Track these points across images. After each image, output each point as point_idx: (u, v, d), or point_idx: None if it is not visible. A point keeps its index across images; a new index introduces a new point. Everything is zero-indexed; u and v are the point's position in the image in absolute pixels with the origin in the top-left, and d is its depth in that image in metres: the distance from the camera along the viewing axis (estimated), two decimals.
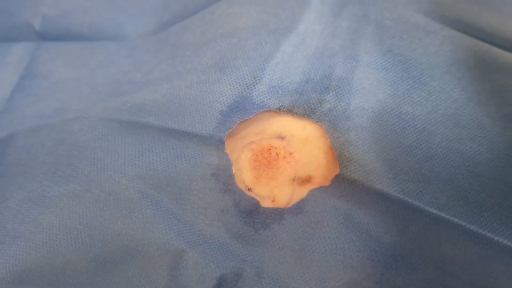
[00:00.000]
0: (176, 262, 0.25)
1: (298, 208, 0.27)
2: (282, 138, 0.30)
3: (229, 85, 0.30)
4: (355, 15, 0.33)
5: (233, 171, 0.29)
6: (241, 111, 0.29)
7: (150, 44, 0.38)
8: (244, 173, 0.29)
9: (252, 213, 0.27)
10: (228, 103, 0.29)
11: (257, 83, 0.30)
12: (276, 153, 0.29)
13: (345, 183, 0.27)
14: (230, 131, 0.29)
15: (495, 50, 0.31)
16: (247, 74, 0.30)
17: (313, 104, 0.29)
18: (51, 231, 0.26)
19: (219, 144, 0.29)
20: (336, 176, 0.27)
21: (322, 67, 0.31)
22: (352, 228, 0.26)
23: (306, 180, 0.28)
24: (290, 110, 0.30)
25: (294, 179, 0.28)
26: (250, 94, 0.30)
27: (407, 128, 0.28)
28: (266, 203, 0.28)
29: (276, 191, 0.28)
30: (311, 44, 0.32)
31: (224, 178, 0.28)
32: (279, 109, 0.30)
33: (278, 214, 0.27)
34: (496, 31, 0.32)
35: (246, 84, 0.30)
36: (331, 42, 0.32)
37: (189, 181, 0.28)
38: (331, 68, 0.30)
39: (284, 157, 0.29)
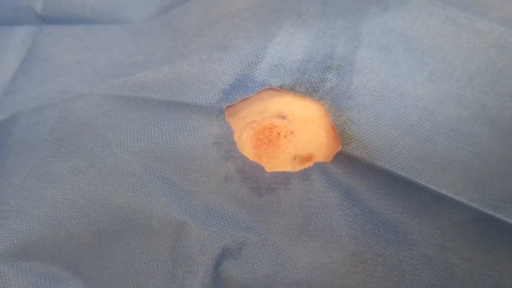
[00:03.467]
0: (178, 234, 0.25)
1: (305, 174, 0.27)
2: (283, 117, 0.30)
3: (231, 64, 0.30)
4: None
5: (235, 138, 0.29)
6: (243, 89, 0.29)
7: (153, 27, 0.38)
8: (246, 152, 0.29)
9: (256, 178, 0.27)
10: (230, 81, 0.29)
11: (259, 62, 0.30)
12: (278, 132, 0.29)
13: (346, 160, 0.27)
14: (232, 108, 0.29)
15: (498, 30, 0.31)
16: (249, 53, 0.30)
17: (315, 82, 0.29)
18: (54, 205, 0.26)
19: (220, 113, 0.29)
20: (338, 153, 0.27)
21: (324, 47, 0.31)
22: (355, 202, 0.26)
23: (307, 158, 0.28)
24: (292, 88, 0.30)
25: (295, 157, 0.29)
26: (252, 72, 0.30)
27: (409, 107, 0.28)
28: None
29: (277, 169, 0.28)
30: (313, 24, 0.32)
31: (226, 145, 0.28)
32: (281, 87, 0.30)
33: (283, 178, 0.27)
34: (499, 11, 0.32)
35: (248, 62, 0.30)
36: (333, 22, 0.32)
37: (191, 151, 0.28)
38: (333, 47, 0.30)
39: (285, 136, 0.29)
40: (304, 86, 0.29)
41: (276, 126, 0.29)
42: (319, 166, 0.27)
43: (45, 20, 0.42)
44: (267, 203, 0.26)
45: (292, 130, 0.29)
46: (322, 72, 0.30)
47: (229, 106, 0.30)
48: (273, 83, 0.29)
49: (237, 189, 0.27)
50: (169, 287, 0.24)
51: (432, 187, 0.26)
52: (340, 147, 0.27)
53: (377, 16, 0.31)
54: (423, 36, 0.31)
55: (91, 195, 0.26)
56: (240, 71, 0.30)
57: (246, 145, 0.29)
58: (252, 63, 0.30)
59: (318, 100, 0.29)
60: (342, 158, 0.27)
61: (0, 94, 0.37)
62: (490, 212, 0.25)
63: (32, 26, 0.42)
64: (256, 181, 0.27)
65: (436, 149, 0.27)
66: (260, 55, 0.30)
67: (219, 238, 0.25)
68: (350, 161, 0.27)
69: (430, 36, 0.31)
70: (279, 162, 0.29)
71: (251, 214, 0.26)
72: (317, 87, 0.29)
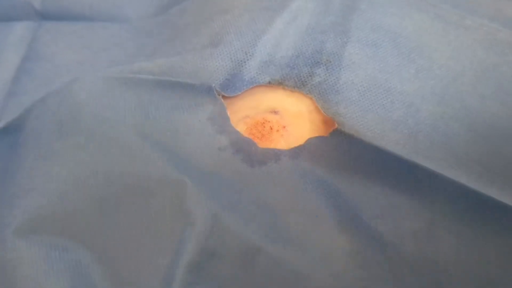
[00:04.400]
0: (177, 192, 0.26)
1: (296, 152, 0.28)
2: (276, 112, 0.30)
3: (221, 61, 0.30)
4: None
5: (228, 114, 0.30)
6: (231, 88, 0.30)
7: (152, 27, 0.39)
8: None
9: (248, 152, 0.28)
10: (220, 80, 0.30)
11: (248, 59, 0.30)
12: (270, 126, 0.30)
13: (340, 137, 0.28)
14: (225, 103, 0.30)
15: (487, 27, 0.32)
16: (238, 49, 0.31)
17: (304, 77, 0.30)
18: (59, 180, 0.28)
19: (210, 90, 0.30)
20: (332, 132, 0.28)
21: (313, 43, 0.31)
22: (344, 179, 0.27)
23: None
24: (280, 83, 0.30)
25: None
26: (241, 71, 0.30)
27: (395, 103, 0.29)
28: None
29: None
30: (303, 21, 0.32)
31: (220, 121, 0.29)
32: (269, 82, 0.30)
33: (274, 154, 0.28)
34: (490, 7, 0.33)
35: (238, 60, 0.30)
36: (323, 19, 0.32)
37: (186, 126, 0.29)
38: (322, 43, 0.31)
39: (278, 130, 0.30)
40: (293, 80, 0.30)
41: (269, 121, 0.30)
42: (310, 144, 0.28)
43: (44, 16, 0.43)
44: (257, 173, 0.27)
45: (284, 125, 0.30)
46: (311, 67, 0.30)
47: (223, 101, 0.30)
48: (262, 80, 0.30)
49: (229, 159, 0.28)
50: (169, 241, 0.26)
51: (423, 163, 0.27)
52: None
53: (366, 12, 0.32)
54: (411, 33, 0.31)
55: (92, 167, 0.28)
56: (230, 69, 0.30)
57: None
58: (241, 60, 0.30)
59: (307, 94, 0.30)
60: (336, 134, 0.28)
61: (3, 91, 0.37)
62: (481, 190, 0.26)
63: (30, 22, 0.43)
64: (248, 154, 0.28)
65: (419, 147, 0.27)
66: (249, 52, 0.31)
67: (215, 196, 0.26)
68: (345, 138, 0.28)
69: (418, 33, 0.31)
70: None
71: (243, 182, 0.27)
72: (305, 82, 0.30)
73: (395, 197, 0.27)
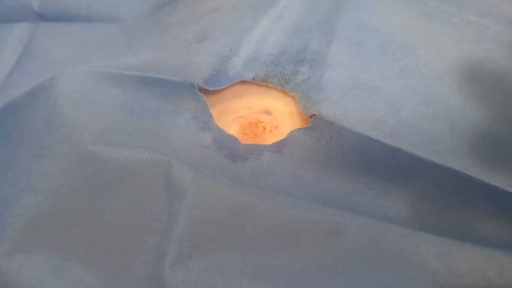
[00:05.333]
0: (161, 171, 0.27)
1: (278, 147, 0.29)
2: (269, 113, 0.31)
3: (207, 57, 0.31)
4: None
5: (212, 112, 0.31)
6: (216, 83, 0.30)
7: (144, 26, 0.40)
8: None
9: (231, 148, 0.29)
10: (205, 76, 0.30)
11: (233, 55, 0.31)
12: (263, 126, 0.31)
13: (322, 125, 0.28)
14: (220, 104, 0.31)
15: (475, 23, 0.31)
16: (224, 46, 0.31)
17: (287, 75, 0.30)
18: (50, 175, 0.29)
19: (193, 88, 0.30)
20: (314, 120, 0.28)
21: (298, 41, 0.31)
22: (328, 171, 0.28)
23: None
24: (264, 80, 0.31)
25: None
26: (225, 66, 0.31)
27: (377, 102, 0.29)
28: None
29: None
30: (289, 19, 0.32)
31: (203, 118, 0.30)
32: (253, 79, 0.31)
33: (257, 150, 0.29)
34: (480, 3, 0.32)
35: (223, 56, 0.31)
36: (310, 17, 0.32)
37: (170, 124, 0.30)
38: (307, 41, 0.31)
39: (271, 131, 0.30)
40: (276, 77, 0.30)
41: (262, 121, 0.31)
42: (292, 137, 0.29)
43: (42, 17, 0.44)
44: (240, 169, 0.28)
45: (276, 125, 0.30)
46: (295, 65, 0.30)
47: (217, 102, 0.31)
48: (246, 76, 0.30)
49: (212, 156, 0.29)
50: (158, 220, 0.26)
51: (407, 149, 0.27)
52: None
53: (352, 12, 0.32)
54: (397, 32, 0.31)
55: (78, 159, 0.29)
56: (215, 65, 0.30)
57: None
58: (226, 57, 0.31)
59: (289, 92, 0.30)
60: (318, 123, 0.28)
61: None
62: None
63: (29, 23, 0.44)
64: (230, 150, 0.29)
65: (398, 146, 0.27)
66: (234, 49, 0.31)
67: (200, 170, 0.27)
68: (326, 126, 0.28)
69: (404, 32, 0.31)
70: None
71: (225, 177, 0.28)
72: (289, 79, 0.30)
73: (381, 185, 0.27)
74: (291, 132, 0.29)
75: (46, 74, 0.37)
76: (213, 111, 0.31)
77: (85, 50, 0.40)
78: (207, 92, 0.31)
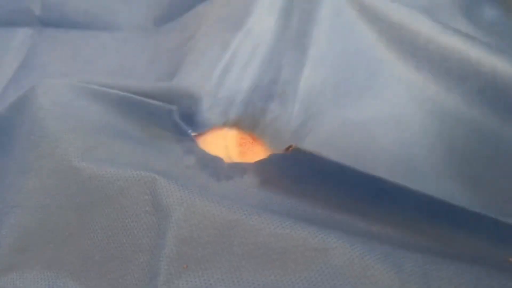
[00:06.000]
0: (147, 187, 0.27)
1: (260, 166, 0.30)
2: None
3: (177, 94, 0.31)
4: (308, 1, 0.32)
5: (193, 135, 0.31)
6: (190, 127, 0.31)
7: (138, 40, 0.40)
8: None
9: (215, 168, 0.30)
10: (177, 115, 0.31)
11: (203, 96, 0.31)
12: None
13: (301, 153, 0.28)
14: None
15: (445, 44, 0.30)
16: (193, 84, 0.31)
17: (257, 115, 0.30)
18: (36, 192, 0.28)
19: (171, 112, 0.31)
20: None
21: (271, 69, 0.31)
22: (310, 191, 0.28)
23: None
24: (235, 125, 0.31)
25: None
26: (196, 109, 0.31)
27: (350, 135, 0.29)
28: None
29: None
30: (262, 42, 0.31)
31: (187, 142, 0.31)
32: (224, 124, 0.31)
33: (240, 169, 0.30)
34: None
35: (194, 97, 0.31)
36: (283, 37, 0.32)
37: (155, 149, 0.30)
38: (279, 69, 0.31)
39: None
40: (247, 120, 0.31)
41: None
42: (274, 160, 0.29)
43: (43, 22, 0.45)
44: (224, 188, 0.29)
45: None
46: (265, 101, 0.30)
47: None
48: (216, 121, 0.31)
49: (197, 175, 0.29)
50: (147, 237, 0.26)
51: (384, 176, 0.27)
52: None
53: (328, 21, 0.31)
54: (371, 50, 0.31)
55: (62, 176, 0.28)
56: (186, 106, 0.31)
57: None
58: (197, 98, 0.31)
59: (259, 136, 0.30)
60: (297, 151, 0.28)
61: None
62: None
63: (30, 28, 0.45)
64: (214, 170, 0.30)
65: (376, 174, 0.28)
66: (204, 87, 0.31)
67: (185, 187, 0.27)
68: (304, 154, 0.28)
69: (378, 49, 0.31)
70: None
71: (212, 195, 0.28)
72: (259, 120, 0.30)
73: (362, 208, 0.27)
74: (273, 154, 0.29)
75: None
76: None
77: (79, 64, 0.40)
78: None
